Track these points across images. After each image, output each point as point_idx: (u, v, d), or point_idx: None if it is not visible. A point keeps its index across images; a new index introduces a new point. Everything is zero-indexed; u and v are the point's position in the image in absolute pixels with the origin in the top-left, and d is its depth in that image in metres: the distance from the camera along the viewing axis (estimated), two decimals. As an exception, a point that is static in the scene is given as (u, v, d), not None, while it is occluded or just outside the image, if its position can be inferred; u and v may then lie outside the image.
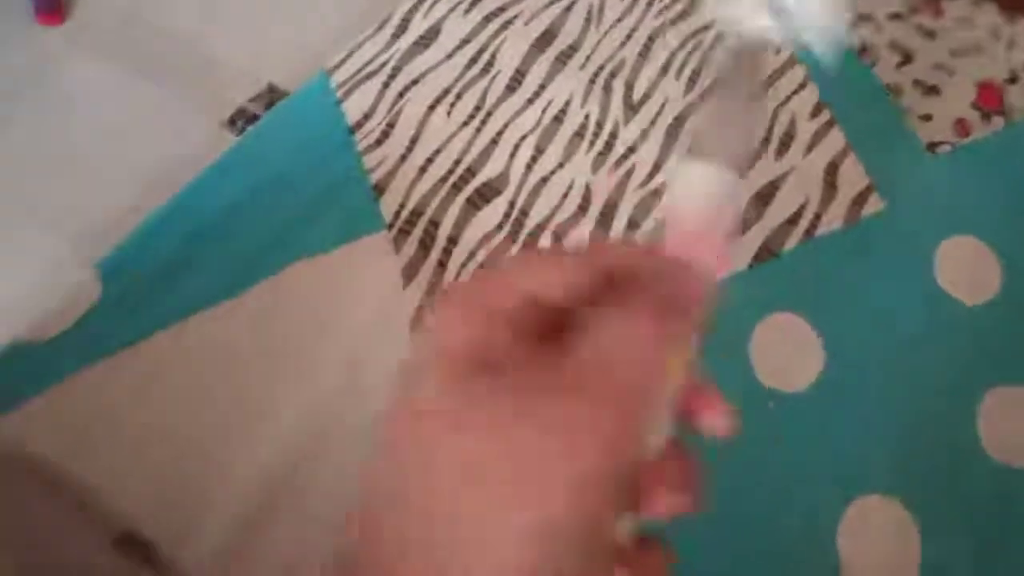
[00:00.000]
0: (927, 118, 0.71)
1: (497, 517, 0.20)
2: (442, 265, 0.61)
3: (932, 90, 0.73)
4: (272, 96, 1.53)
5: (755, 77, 0.30)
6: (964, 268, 0.64)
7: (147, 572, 0.38)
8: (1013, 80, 0.74)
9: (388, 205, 0.64)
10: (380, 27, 0.73)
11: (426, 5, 0.74)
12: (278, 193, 0.62)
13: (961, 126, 0.71)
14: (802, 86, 0.72)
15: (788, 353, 0.59)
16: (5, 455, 0.37)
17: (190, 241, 0.60)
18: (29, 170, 1.40)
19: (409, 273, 0.61)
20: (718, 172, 0.28)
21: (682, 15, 0.76)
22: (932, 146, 0.70)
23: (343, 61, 0.71)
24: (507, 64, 0.71)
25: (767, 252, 0.64)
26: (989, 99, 0.73)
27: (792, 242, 0.64)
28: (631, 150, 0.68)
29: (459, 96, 0.70)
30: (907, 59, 0.75)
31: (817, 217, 0.66)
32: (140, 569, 0.37)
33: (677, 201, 0.28)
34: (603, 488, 0.20)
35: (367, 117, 0.68)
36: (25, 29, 1.57)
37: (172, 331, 0.57)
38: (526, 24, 0.74)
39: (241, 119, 1.49)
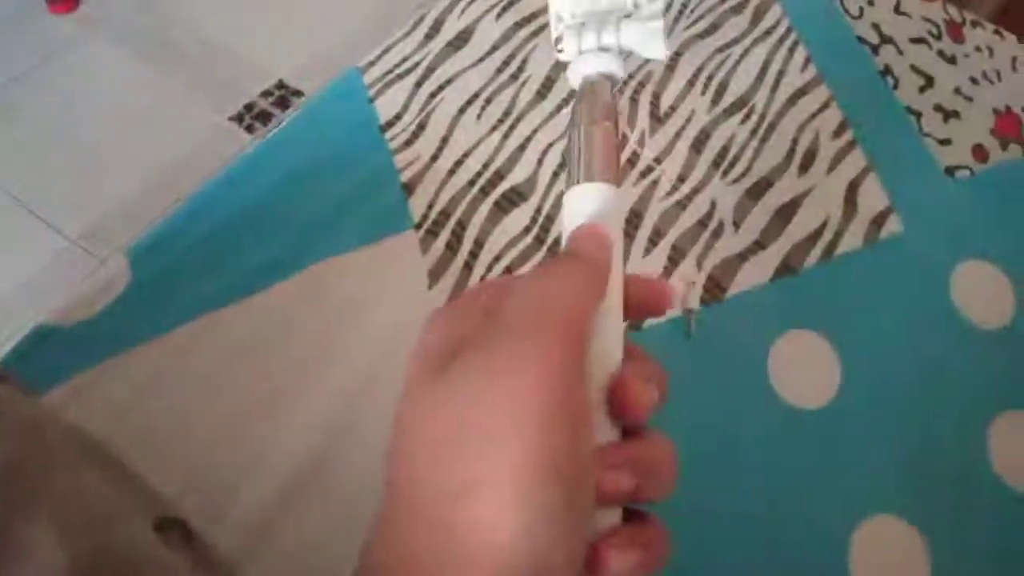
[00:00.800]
0: (946, 142, 0.73)
1: (483, 465, 0.22)
2: (468, 267, 0.62)
3: (952, 115, 0.74)
4: (282, 92, 1.54)
5: (596, 103, 0.34)
6: (979, 292, 0.65)
7: (188, 556, 0.38)
8: (1031, 109, 0.76)
9: (417, 205, 0.64)
10: (413, 27, 0.73)
11: (460, 7, 0.75)
12: (309, 188, 0.63)
13: (979, 152, 0.73)
14: (825, 105, 0.73)
15: (806, 370, 0.60)
16: (63, 430, 0.38)
17: (221, 232, 0.61)
18: (38, 158, 1.41)
19: (435, 274, 0.62)
20: (589, 188, 0.32)
21: (708, 31, 0.77)
22: (950, 170, 0.71)
23: (376, 59, 0.71)
24: (537, 71, 0.72)
25: (787, 269, 0.65)
26: (1007, 127, 0.74)
27: (812, 259, 0.65)
28: (657, 161, 0.69)
29: (489, 100, 0.70)
30: (928, 83, 0.76)
31: (837, 236, 0.67)
32: (182, 553, 0.38)
33: (566, 220, 0.32)
34: (566, 411, 0.23)
35: (398, 116, 0.68)
36: (37, 16, 1.57)
37: (201, 321, 0.57)
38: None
39: (250, 114, 1.49)
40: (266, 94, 1.56)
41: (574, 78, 0.37)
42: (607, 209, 0.31)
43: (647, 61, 0.75)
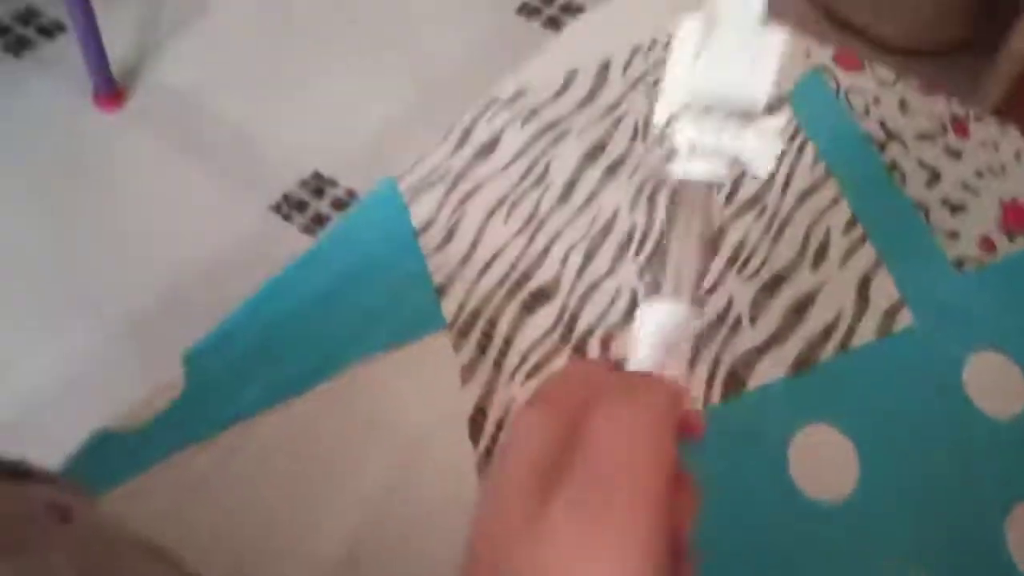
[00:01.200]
0: (954, 235, 0.76)
1: None
2: (497, 366, 0.66)
3: (959, 208, 0.78)
4: (318, 182, 1.61)
5: (705, 216, 0.33)
6: (991, 383, 0.67)
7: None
8: (1037, 201, 0.78)
9: (449, 306, 0.69)
10: (445, 137, 0.79)
11: (487, 116, 0.80)
12: (349, 295, 0.67)
13: (987, 244, 0.75)
14: (835, 201, 0.77)
15: (825, 464, 0.62)
16: (130, 536, 0.41)
17: (266, 340, 0.65)
18: (81, 252, 1.48)
19: (467, 373, 0.65)
20: (673, 310, 0.32)
21: (723, 132, 0.81)
22: (959, 262, 0.74)
23: (412, 168, 0.76)
24: (558, 176, 0.77)
25: (804, 363, 0.67)
26: (1014, 219, 0.77)
27: (828, 353, 0.68)
28: (675, 259, 0.73)
29: (515, 204, 0.75)
30: (935, 178, 0.79)
31: (851, 329, 0.69)
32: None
33: (638, 339, 0.32)
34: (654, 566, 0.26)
35: (431, 222, 0.73)
36: (84, 113, 1.67)
37: (244, 425, 0.61)
38: (578, 137, 0.80)
39: (287, 204, 1.56)
40: (303, 184, 1.63)
41: (679, 171, 0.34)
42: (687, 336, 0.32)
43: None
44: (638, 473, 0.27)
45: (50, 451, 0.54)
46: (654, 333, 0.32)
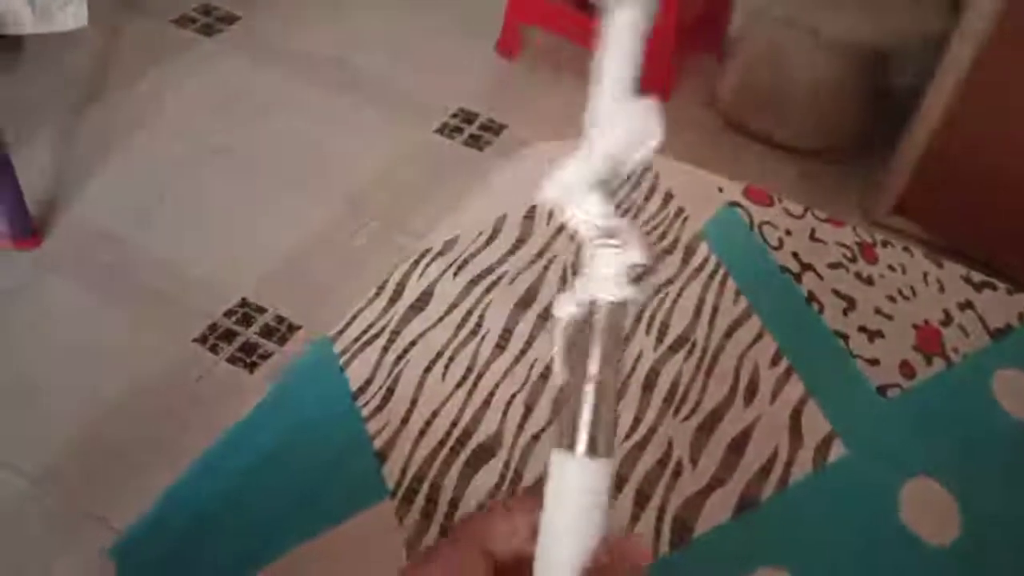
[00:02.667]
0: (875, 362, 0.79)
1: None
2: (444, 533, 0.65)
3: (876, 335, 0.81)
4: (245, 309, 1.59)
5: (601, 347, 0.29)
6: (926, 509, 0.69)
7: None
8: (947, 322, 0.83)
9: (391, 471, 0.67)
10: (378, 293, 0.79)
11: (419, 269, 0.81)
12: (285, 468, 0.66)
13: (907, 368, 0.79)
14: (760, 336, 0.80)
15: (777, 611, 0.62)
16: None
17: (196, 527, 0.63)
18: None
19: (412, 545, 0.64)
20: (584, 464, 0.29)
21: (646, 272, 0.84)
22: (882, 389, 0.77)
23: (345, 327, 0.76)
24: (495, 324, 0.78)
25: (747, 503, 0.68)
26: (928, 341, 0.81)
27: (768, 490, 0.69)
28: (613, 403, 0.74)
29: (452, 358, 0.75)
30: (851, 305, 0.83)
31: (788, 465, 0.71)
32: None
33: (549, 500, 0.30)
34: None
35: (368, 382, 0.73)
36: (0, 253, 1.62)
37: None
38: (510, 284, 0.81)
39: (213, 335, 1.53)
40: (229, 313, 1.60)
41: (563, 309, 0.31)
42: (607, 489, 0.30)
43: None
44: None
45: None
46: (585, 498, 0.30)
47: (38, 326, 1.55)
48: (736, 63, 1.89)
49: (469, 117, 2.00)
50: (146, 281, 1.60)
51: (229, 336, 1.55)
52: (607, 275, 0.30)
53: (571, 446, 0.30)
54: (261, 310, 1.61)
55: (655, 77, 1.95)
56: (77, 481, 1.31)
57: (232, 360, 1.53)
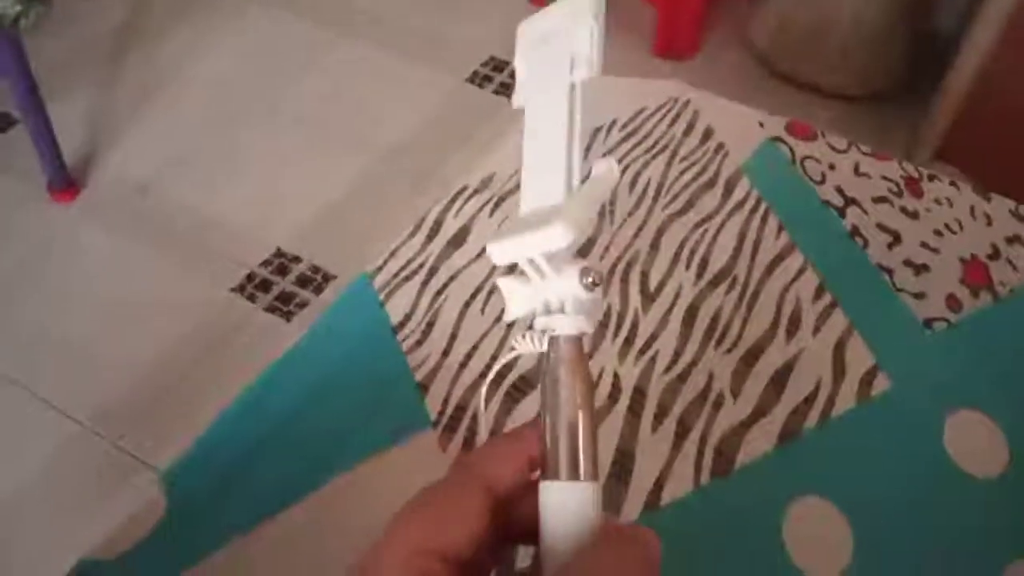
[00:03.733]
0: (920, 296, 0.78)
1: None
2: (487, 461, 0.65)
3: (922, 268, 0.80)
4: (281, 260, 1.60)
5: (577, 376, 0.30)
6: (972, 442, 0.68)
7: None
8: (995, 256, 0.81)
9: (433, 403, 0.68)
10: (415, 230, 0.79)
11: (456, 206, 0.81)
12: (328, 401, 0.67)
13: (953, 302, 0.78)
14: (802, 270, 0.79)
15: (819, 537, 0.62)
16: None
17: (246, 455, 0.64)
18: (40, 347, 1.44)
19: (457, 471, 0.64)
20: (569, 490, 0.29)
21: (685, 208, 0.83)
22: (928, 323, 0.76)
23: (384, 264, 0.76)
24: (533, 260, 0.77)
25: (788, 435, 0.68)
26: (976, 275, 0.79)
27: (811, 423, 0.69)
28: (653, 337, 0.74)
29: (491, 293, 0.75)
30: (896, 240, 0.82)
31: (831, 398, 0.70)
32: None
33: (542, 530, 0.30)
34: None
35: (408, 317, 0.73)
36: (39, 206, 1.65)
37: (228, 549, 0.59)
38: (547, 221, 0.80)
39: (251, 284, 1.55)
40: (265, 263, 1.62)
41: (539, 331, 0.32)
42: (597, 511, 0.30)
43: (635, 237, 0.80)
44: None
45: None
46: (567, 525, 0.30)
47: (76, 277, 1.58)
48: (773, 6, 1.84)
49: (499, 65, 1.97)
50: (182, 232, 1.62)
51: (266, 285, 1.57)
52: (565, 309, 0.30)
53: (555, 475, 0.30)
54: (297, 260, 1.62)
55: (686, 22, 1.91)
56: (126, 426, 1.34)
57: (270, 309, 1.55)
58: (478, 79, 1.91)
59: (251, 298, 1.54)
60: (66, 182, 1.68)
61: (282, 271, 1.58)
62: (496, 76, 1.92)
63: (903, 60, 1.82)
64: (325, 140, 1.77)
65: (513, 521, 0.32)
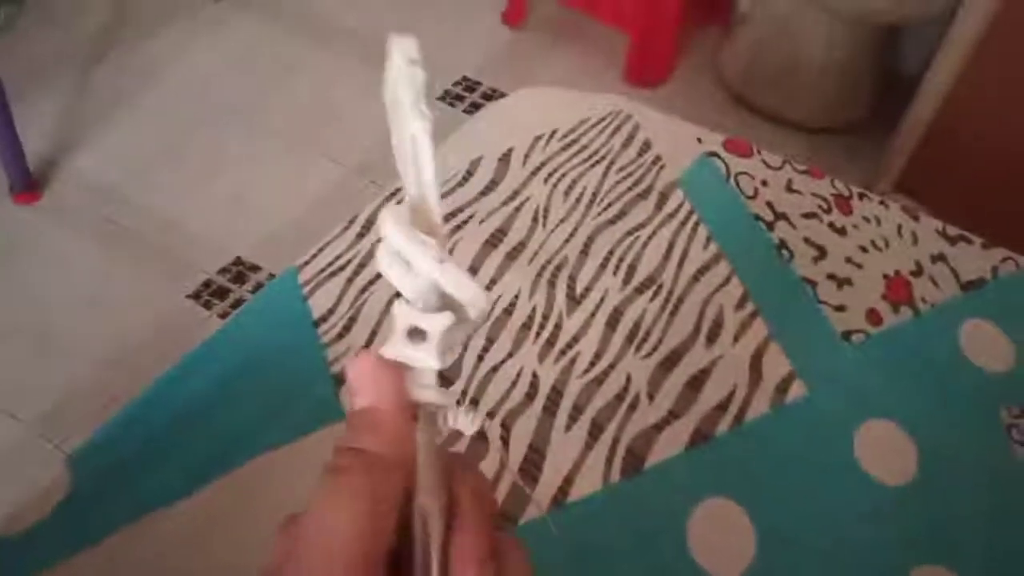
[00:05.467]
0: (841, 309, 0.79)
1: None
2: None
3: (845, 282, 0.81)
4: (239, 268, 1.60)
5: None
6: (883, 451, 0.69)
7: None
8: (918, 273, 0.82)
9: (348, 396, 0.68)
10: (346, 227, 0.80)
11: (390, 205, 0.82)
12: (245, 386, 0.67)
13: (873, 316, 0.79)
14: (727, 280, 0.80)
15: (724, 537, 0.63)
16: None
17: (159, 435, 0.64)
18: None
19: (366, 462, 0.64)
20: None
21: (617, 216, 0.84)
22: (847, 335, 0.77)
23: (311, 259, 0.77)
24: (461, 261, 0.78)
25: (700, 437, 0.69)
26: (897, 291, 0.81)
27: (724, 427, 0.70)
28: (574, 340, 0.74)
29: (417, 291, 0.76)
30: (822, 254, 0.83)
31: (745, 403, 0.71)
32: None
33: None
34: None
35: (331, 311, 0.73)
36: (0, 208, 1.64)
37: (136, 526, 0.59)
38: (480, 224, 0.82)
39: (207, 291, 1.55)
40: (223, 271, 1.62)
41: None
42: None
43: (565, 242, 0.81)
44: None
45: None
46: None
47: (35, 279, 1.57)
48: (746, 39, 1.88)
49: (471, 86, 2.00)
50: (144, 236, 1.62)
51: (222, 293, 1.57)
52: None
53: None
54: (256, 268, 1.62)
55: (659, 51, 1.94)
56: (72, 429, 1.33)
57: (223, 316, 1.54)
58: (450, 98, 1.93)
59: (207, 305, 1.54)
60: (29, 184, 1.68)
61: (240, 279, 1.58)
62: (468, 96, 1.95)
63: (869, 96, 1.85)
64: (297, 151, 1.78)
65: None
